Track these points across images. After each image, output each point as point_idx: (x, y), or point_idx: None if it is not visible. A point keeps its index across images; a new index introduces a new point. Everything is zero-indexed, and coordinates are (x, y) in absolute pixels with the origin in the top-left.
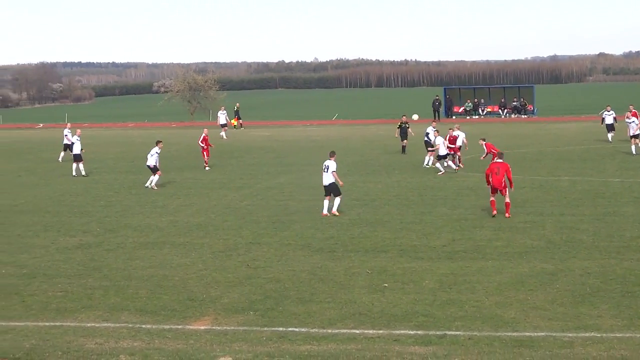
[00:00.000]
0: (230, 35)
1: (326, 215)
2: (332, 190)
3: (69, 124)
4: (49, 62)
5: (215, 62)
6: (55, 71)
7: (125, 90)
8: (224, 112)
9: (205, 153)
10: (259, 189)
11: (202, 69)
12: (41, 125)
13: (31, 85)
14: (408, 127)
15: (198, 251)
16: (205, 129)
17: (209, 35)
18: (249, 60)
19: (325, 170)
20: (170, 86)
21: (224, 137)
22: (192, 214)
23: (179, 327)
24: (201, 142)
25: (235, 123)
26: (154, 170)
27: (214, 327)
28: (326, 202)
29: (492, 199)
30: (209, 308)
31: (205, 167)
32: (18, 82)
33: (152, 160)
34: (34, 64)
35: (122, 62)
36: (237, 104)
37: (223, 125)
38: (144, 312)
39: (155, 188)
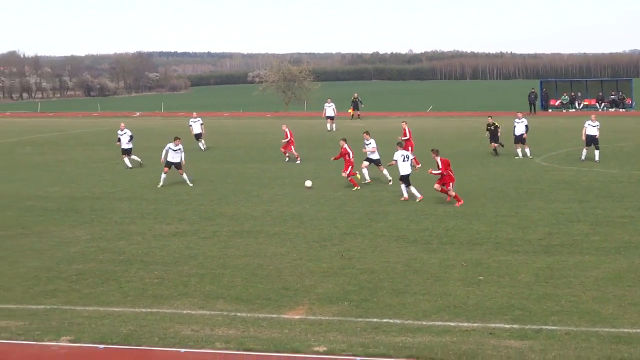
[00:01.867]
0: (325, 26)
1: (407, 199)
2: (408, 179)
3: (194, 113)
4: (145, 51)
5: (310, 53)
6: (152, 60)
7: (220, 80)
8: (331, 104)
9: (292, 147)
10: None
11: (296, 59)
12: (138, 113)
13: (128, 74)
14: (497, 128)
15: (292, 241)
16: (284, 125)
17: (304, 26)
18: (343, 51)
19: (406, 159)
20: (265, 76)
21: (330, 128)
22: (287, 204)
23: (274, 316)
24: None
25: (352, 113)
26: (177, 166)
27: (308, 317)
28: (404, 187)
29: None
30: (303, 298)
31: (297, 160)
32: (115, 71)
33: (177, 156)
34: (131, 53)
35: (217, 52)
36: (355, 94)
37: (330, 117)
38: (239, 300)
39: (191, 184)
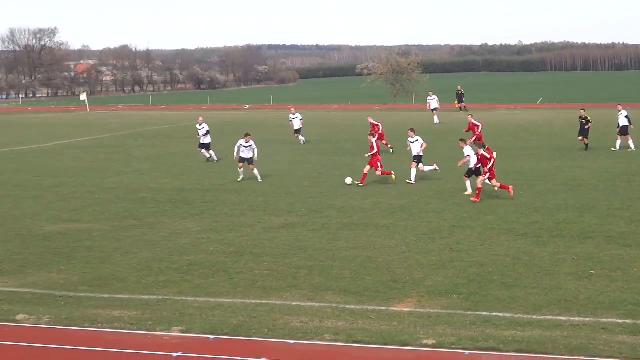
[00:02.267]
0: (434, 18)
1: (471, 194)
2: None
3: (293, 109)
4: (255, 44)
5: (419, 45)
6: (261, 54)
7: (329, 73)
8: (433, 96)
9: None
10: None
11: (405, 51)
12: (247, 106)
13: (237, 67)
14: (588, 122)
15: (401, 233)
16: (369, 117)
17: (413, 18)
18: (452, 43)
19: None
20: (373, 69)
21: (437, 121)
22: (396, 196)
23: (383, 308)
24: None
25: (458, 105)
26: (249, 162)
27: (417, 310)
28: (469, 183)
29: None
30: (412, 290)
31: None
32: (225, 64)
33: (249, 152)
34: (240, 46)
35: (326, 44)
36: (459, 87)
37: (435, 110)
38: (347, 292)
39: (260, 180)
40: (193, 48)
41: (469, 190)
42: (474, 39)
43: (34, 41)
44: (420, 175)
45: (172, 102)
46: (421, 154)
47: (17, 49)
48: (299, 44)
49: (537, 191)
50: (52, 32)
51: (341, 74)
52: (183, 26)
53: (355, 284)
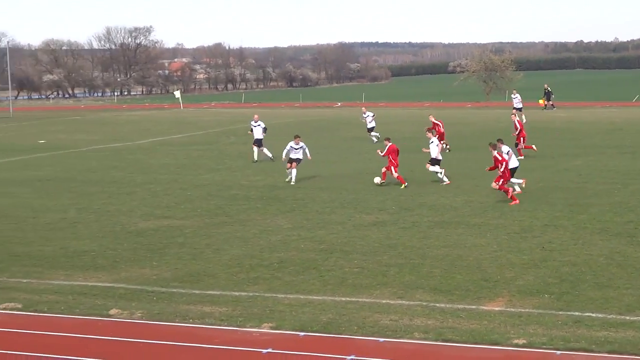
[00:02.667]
0: (528, 14)
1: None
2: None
3: (363, 108)
4: (347, 42)
5: (512, 42)
6: (353, 51)
7: (421, 70)
8: (516, 95)
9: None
10: (555, 170)
11: (498, 48)
12: (339, 104)
13: (330, 64)
14: None
15: (493, 232)
16: (431, 115)
17: (506, 15)
18: (546, 40)
19: (512, 154)
20: (466, 66)
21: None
22: (487, 195)
23: (473, 307)
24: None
25: (545, 104)
26: (298, 162)
27: (507, 309)
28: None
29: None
30: (503, 289)
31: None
32: (317, 61)
33: (299, 153)
34: (332, 44)
35: (418, 42)
36: (546, 85)
37: (519, 109)
38: (437, 291)
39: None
40: (286, 46)
41: (517, 189)
42: (569, 36)
43: (130, 39)
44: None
45: (264, 100)
46: (439, 157)
47: (113, 47)
48: (392, 42)
49: (632, 190)
50: (147, 31)
51: (433, 71)
52: (276, 24)
53: (446, 282)
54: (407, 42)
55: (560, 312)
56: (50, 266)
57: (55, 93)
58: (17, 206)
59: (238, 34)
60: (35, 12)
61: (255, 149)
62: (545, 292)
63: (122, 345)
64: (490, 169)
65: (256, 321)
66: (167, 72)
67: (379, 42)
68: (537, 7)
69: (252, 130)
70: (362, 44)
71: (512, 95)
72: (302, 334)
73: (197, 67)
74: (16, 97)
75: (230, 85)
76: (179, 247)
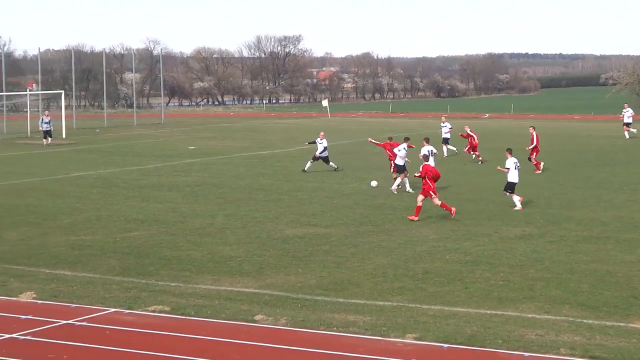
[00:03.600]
0: None
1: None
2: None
3: (443, 117)
4: (496, 53)
5: None
6: (502, 62)
7: (572, 82)
8: (628, 109)
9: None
10: None
11: None
12: (487, 115)
13: (478, 75)
14: None
15: None
16: (466, 126)
17: None
18: None
19: (516, 167)
20: (618, 78)
21: (630, 135)
22: (638, 210)
23: (621, 324)
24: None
25: None
26: (401, 170)
27: None
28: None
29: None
30: None
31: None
32: (466, 72)
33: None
34: (481, 54)
35: (569, 53)
36: None
37: (626, 124)
38: (585, 306)
39: (395, 192)
40: (434, 56)
41: (518, 206)
42: None
43: (279, 48)
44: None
45: (411, 110)
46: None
47: (263, 55)
48: (542, 53)
49: None
50: (297, 40)
51: (584, 83)
52: (424, 34)
53: (593, 298)
54: (558, 53)
55: None
56: (197, 271)
57: (205, 100)
58: (167, 211)
59: (386, 44)
60: (187, 21)
61: (319, 162)
62: None
63: (266, 351)
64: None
65: (400, 331)
66: (315, 80)
67: (529, 53)
68: None
69: (318, 147)
70: (512, 55)
71: (624, 110)
72: (446, 345)
73: (345, 76)
74: (167, 104)
75: (377, 95)
76: (324, 254)
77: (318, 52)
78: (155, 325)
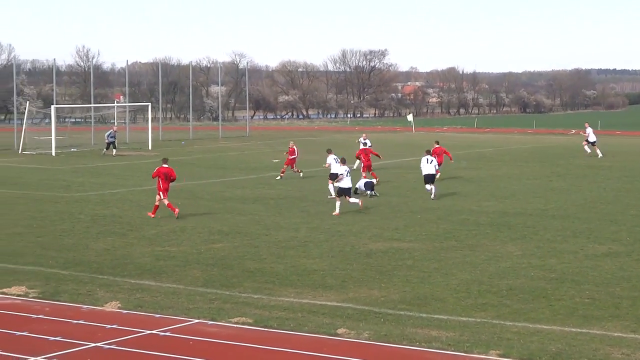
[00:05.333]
0: None
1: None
2: None
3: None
4: (583, 68)
5: None
6: (590, 78)
7: None
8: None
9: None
10: None
11: None
12: (573, 131)
13: (565, 91)
14: None
15: None
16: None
17: None
18: None
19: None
20: None
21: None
22: None
23: None
24: None
25: None
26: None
27: None
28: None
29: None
30: None
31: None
32: (552, 87)
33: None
34: (568, 70)
35: None
36: None
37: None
38: None
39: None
40: (520, 71)
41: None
42: None
43: (364, 62)
44: None
45: (496, 125)
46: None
47: (348, 69)
48: (630, 69)
49: None
50: (382, 54)
51: None
52: (510, 49)
53: None
54: None
55: None
56: (280, 283)
57: (289, 114)
58: (251, 223)
59: (472, 59)
60: (273, 34)
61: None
62: None
63: None
64: None
65: (483, 347)
66: (399, 95)
67: (617, 68)
68: None
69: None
70: (599, 71)
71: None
72: None
73: (430, 90)
74: (252, 117)
75: (462, 110)
76: (407, 269)
77: (403, 67)
78: (238, 337)
